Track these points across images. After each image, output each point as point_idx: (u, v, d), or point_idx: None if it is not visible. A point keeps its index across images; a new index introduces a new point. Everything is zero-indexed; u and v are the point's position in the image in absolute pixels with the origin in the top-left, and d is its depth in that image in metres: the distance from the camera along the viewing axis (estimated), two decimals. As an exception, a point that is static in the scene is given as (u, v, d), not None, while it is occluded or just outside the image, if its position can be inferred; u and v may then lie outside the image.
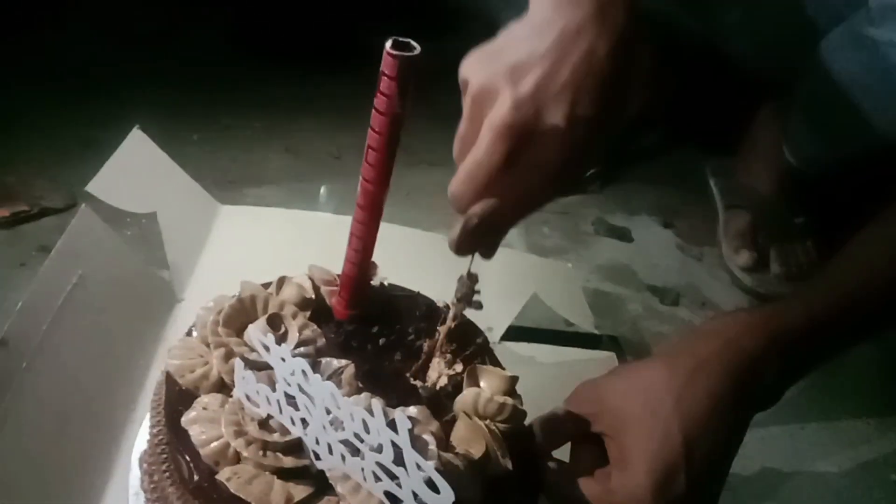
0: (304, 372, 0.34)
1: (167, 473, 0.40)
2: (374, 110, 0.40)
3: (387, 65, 0.38)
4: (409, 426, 0.32)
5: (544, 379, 0.55)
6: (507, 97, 0.39)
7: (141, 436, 0.47)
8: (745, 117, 1.12)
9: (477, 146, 0.41)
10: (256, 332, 0.37)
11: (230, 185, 0.99)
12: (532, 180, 0.42)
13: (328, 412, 0.34)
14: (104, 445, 0.47)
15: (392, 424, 0.32)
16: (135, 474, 0.45)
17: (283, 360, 0.34)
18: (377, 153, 0.39)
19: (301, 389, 0.35)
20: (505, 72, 0.40)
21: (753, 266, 0.99)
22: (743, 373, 0.46)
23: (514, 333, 0.74)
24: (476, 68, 0.42)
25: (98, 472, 0.45)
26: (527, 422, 0.48)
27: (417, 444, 0.36)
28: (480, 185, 0.41)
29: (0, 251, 0.76)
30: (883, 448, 0.80)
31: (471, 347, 0.49)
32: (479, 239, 0.42)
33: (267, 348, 0.35)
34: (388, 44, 0.38)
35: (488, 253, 0.45)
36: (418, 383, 0.47)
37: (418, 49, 0.39)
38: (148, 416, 0.44)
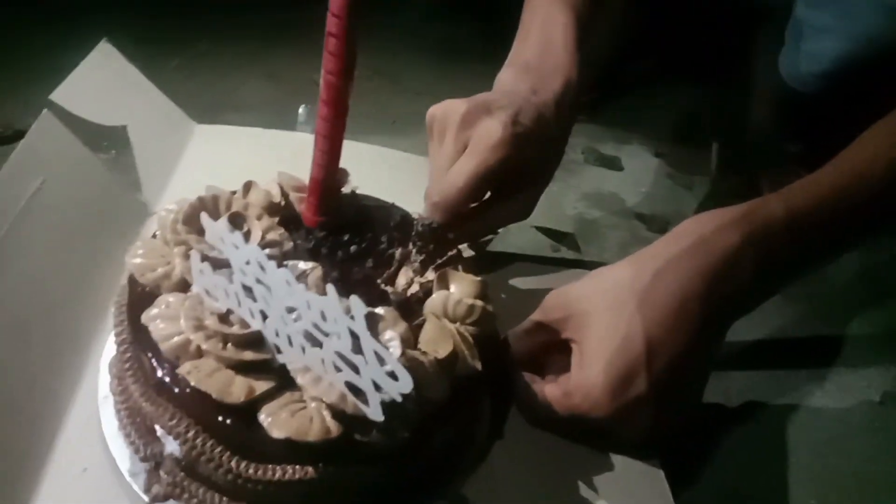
0: (259, 262, 0.33)
1: (130, 372, 0.40)
2: (332, -7, 0.38)
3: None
4: (365, 311, 0.31)
5: (525, 298, 0.54)
6: (497, 118, 0.51)
7: (110, 344, 0.46)
8: (739, 42, 1.09)
9: (469, 156, 0.51)
10: (212, 225, 0.36)
11: (208, 111, 0.96)
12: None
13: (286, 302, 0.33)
14: (72, 354, 0.46)
15: (348, 310, 0.31)
16: (104, 379, 0.45)
17: (237, 247, 0.33)
18: (337, 39, 0.38)
19: (258, 280, 0.34)
20: (483, 105, 0.52)
21: (743, 195, 0.98)
22: (714, 273, 0.44)
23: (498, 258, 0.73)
24: (455, 105, 0.53)
25: (65, 379, 0.45)
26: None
27: (376, 333, 0.36)
28: (475, 186, 0.50)
29: (-28, 172, 0.75)
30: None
31: (444, 256, 0.49)
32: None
33: (221, 238, 0.34)
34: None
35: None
36: (389, 289, 0.46)
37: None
38: (114, 322, 0.44)
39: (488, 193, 0.54)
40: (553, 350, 0.49)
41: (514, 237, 0.77)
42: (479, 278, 0.45)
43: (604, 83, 1.16)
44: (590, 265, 0.73)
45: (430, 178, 0.54)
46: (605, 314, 0.45)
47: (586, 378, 0.44)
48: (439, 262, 0.48)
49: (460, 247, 0.52)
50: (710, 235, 0.45)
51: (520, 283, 0.65)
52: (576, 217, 0.91)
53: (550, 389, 0.46)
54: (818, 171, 0.48)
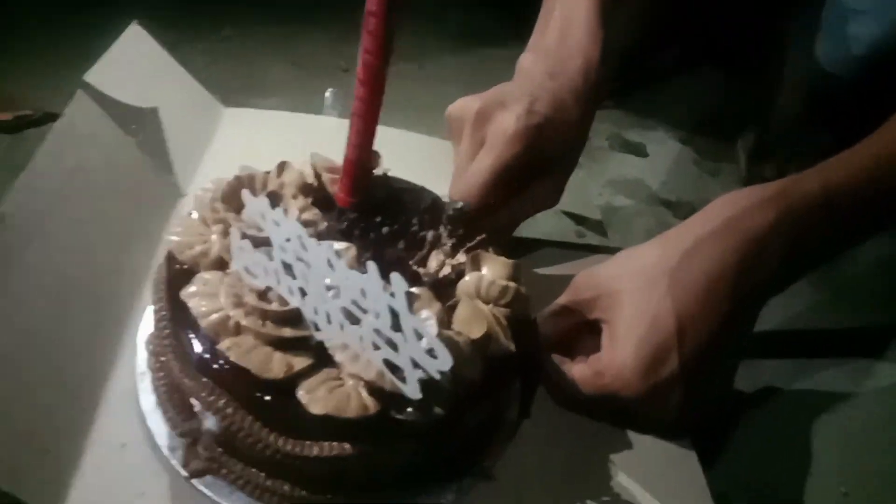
0: (300, 237, 0.33)
1: (169, 348, 0.40)
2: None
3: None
4: (406, 288, 0.31)
5: (551, 283, 0.54)
6: (511, 111, 0.51)
7: (146, 321, 0.47)
8: (767, 29, 1.07)
9: (485, 153, 0.52)
10: (253, 201, 0.36)
11: (234, 97, 0.97)
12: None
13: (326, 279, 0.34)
14: (109, 329, 0.47)
15: (387, 288, 0.32)
16: (141, 355, 0.46)
17: (278, 224, 0.33)
18: (376, 18, 0.38)
19: (297, 257, 0.34)
20: (498, 98, 0.53)
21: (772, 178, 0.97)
22: (745, 253, 0.44)
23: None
24: (469, 102, 0.54)
25: (104, 354, 0.46)
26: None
27: (413, 312, 0.36)
28: (495, 181, 0.51)
29: (4, 155, 0.76)
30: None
31: (475, 239, 0.49)
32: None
33: (262, 215, 0.34)
34: None
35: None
36: (421, 271, 0.46)
37: None
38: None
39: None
40: (582, 331, 0.49)
41: (539, 223, 0.77)
42: (511, 260, 0.45)
43: (629, 71, 1.15)
44: (615, 251, 0.73)
45: (452, 177, 0.54)
46: (635, 294, 0.45)
47: (617, 357, 0.44)
48: (470, 244, 0.48)
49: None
50: (741, 214, 0.45)
51: (545, 268, 0.65)
52: (601, 204, 0.91)
53: (580, 370, 0.46)
54: (856, 146, 0.47)
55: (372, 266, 0.32)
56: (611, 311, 0.46)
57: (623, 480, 0.46)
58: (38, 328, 0.42)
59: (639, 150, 1.03)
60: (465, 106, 0.54)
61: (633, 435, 0.49)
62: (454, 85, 1.20)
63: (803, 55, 0.95)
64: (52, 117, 0.88)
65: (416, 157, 0.69)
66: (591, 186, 0.92)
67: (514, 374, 0.46)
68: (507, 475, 0.45)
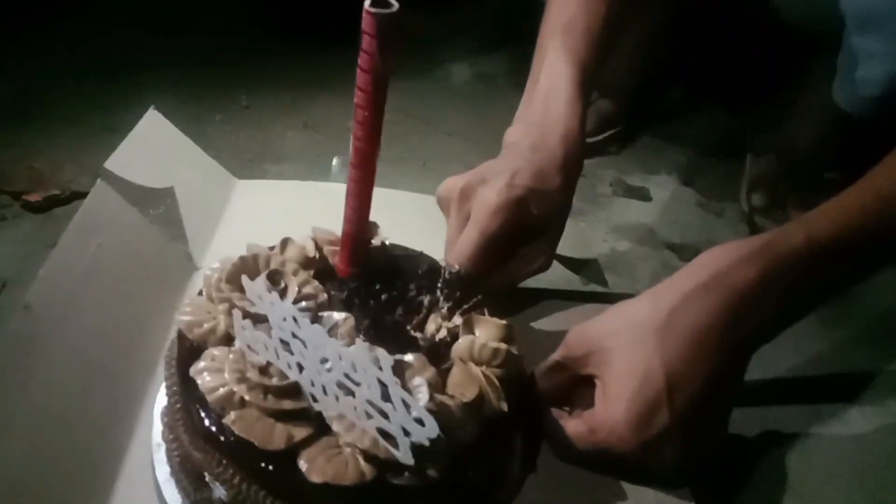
0: (294, 318, 0.36)
1: (181, 422, 0.43)
2: (358, 69, 0.41)
3: (366, 23, 0.39)
4: (392, 361, 0.34)
5: (555, 334, 0.55)
6: (493, 186, 0.55)
7: (161, 393, 0.50)
8: (771, 68, 1.10)
9: (471, 226, 0.55)
10: (251, 284, 0.39)
11: (250, 163, 1.02)
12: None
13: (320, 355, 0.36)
14: (128, 403, 0.50)
15: (376, 361, 0.34)
16: (157, 428, 0.48)
17: (274, 305, 0.36)
18: (364, 110, 0.41)
19: (293, 335, 0.37)
20: (480, 176, 0.56)
21: (766, 208, 0.98)
22: (732, 307, 0.45)
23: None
24: (455, 181, 0.57)
25: (123, 428, 0.48)
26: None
27: (404, 380, 0.38)
28: (483, 252, 0.54)
29: (35, 234, 0.81)
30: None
31: (471, 301, 0.51)
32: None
33: (259, 297, 0.37)
34: (367, 2, 0.39)
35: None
36: (418, 335, 0.48)
37: (396, 6, 0.39)
38: (165, 373, 0.47)
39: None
40: (579, 384, 0.51)
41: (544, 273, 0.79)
42: (503, 322, 0.47)
43: (630, 112, 1.18)
44: (619, 297, 0.74)
45: (444, 250, 0.58)
46: (625, 350, 0.46)
47: (610, 415, 0.46)
48: (466, 307, 0.50)
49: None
50: (727, 270, 0.46)
51: (548, 318, 0.67)
52: (605, 251, 0.92)
53: (575, 426, 0.47)
54: (840, 195, 0.48)
55: (359, 341, 0.34)
56: (602, 368, 0.47)
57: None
58: (62, 408, 0.45)
59: (642, 195, 1.05)
60: (450, 185, 0.58)
61: (635, 486, 0.50)
62: (458, 137, 1.25)
63: (815, 95, 0.97)
64: (79, 196, 0.93)
65: (417, 217, 0.72)
66: (595, 233, 0.94)
67: (510, 433, 0.47)
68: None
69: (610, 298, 0.72)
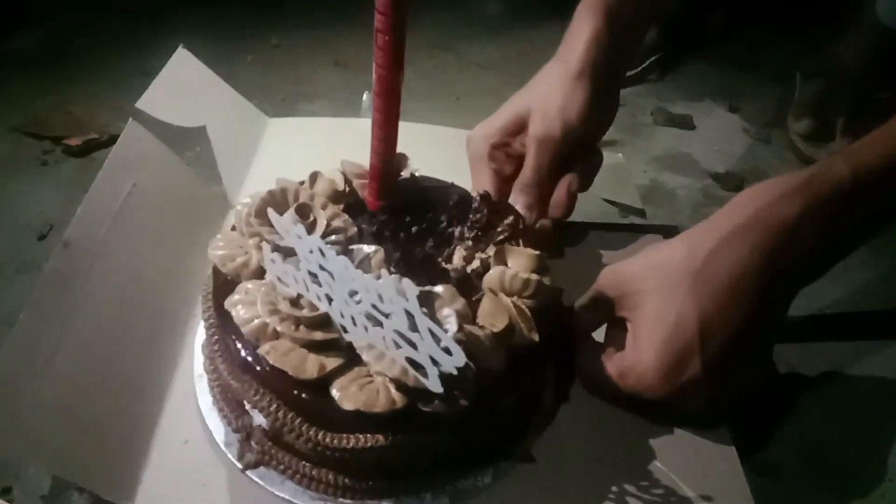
0: (320, 250, 0.36)
1: (219, 353, 0.44)
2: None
3: (384, -58, 0.38)
4: (417, 292, 0.33)
5: (595, 267, 0.55)
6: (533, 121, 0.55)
7: (201, 326, 0.51)
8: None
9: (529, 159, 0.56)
10: (278, 218, 0.39)
11: (283, 103, 1.02)
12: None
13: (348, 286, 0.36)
14: (170, 336, 0.52)
15: (402, 292, 0.34)
16: (198, 359, 0.50)
17: (300, 238, 0.36)
18: (384, 35, 0.39)
19: (321, 267, 0.37)
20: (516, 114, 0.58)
21: (813, 134, 0.93)
22: (772, 248, 0.43)
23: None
24: (482, 129, 0.59)
25: (165, 360, 0.50)
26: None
27: (433, 311, 0.38)
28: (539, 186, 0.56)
29: (77, 178, 0.82)
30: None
31: (504, 232, 0.50)
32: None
33: (286, 230, 0.37)
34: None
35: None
36: (449, 267, 0.48)
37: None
38: (204, 307, 0.48)
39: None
40: (612, 325, 0.50)
41: (583, 206, 0.77)
42: (536, 252, 0.46)
43: (671, 39, 1.13)
44: (658, 230, 0.73)
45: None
46: (657, 294, 0.44)
47: (639, 361, 0.45)
48: (501, 235, 0.49)
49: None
50: (768, 208, 0.44)
51: (585, 251, 0.66)
52: (646, 182, 0.90)
53: (608, 367, 0.47)
54: (885, 124, 0.45)
55: (385, 273, 0.34)
56: (634, 311, 0.46)
57: (660, 466, 0.47)
58: (106, 340, 0.46)
59: (685, 123, 1.01)
60: (481, 133, 0.59)
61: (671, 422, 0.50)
62: (492, 71, 1.21)
63: (861, 13, 0.91)
64: (116, 139, 0.95)
65: (446, 152, 0.71)
66: (635, 163, 0.91)
67: (542, 364, 0.47)
68: (546, 458, 0.47)
69: (648, 230, 0.72)
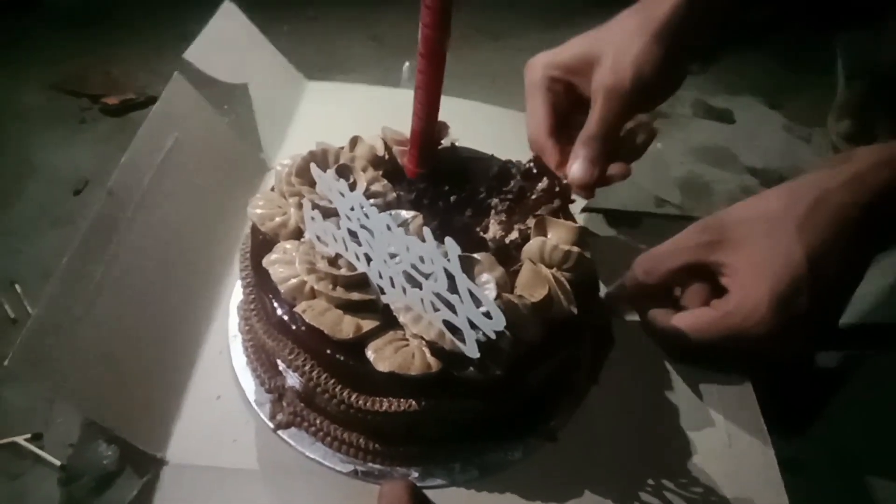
0: (362, 206, 0.36)
1: (255, 312, 0.44)
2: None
3: None
4: (459, 252, 0.33)
5: (629, 253, 0.54)
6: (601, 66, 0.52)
7: (238, 287, 0.51)
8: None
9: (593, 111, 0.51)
10: (321, 175, 0.38)
11: (318, 75, 1.01)
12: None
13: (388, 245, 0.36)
14: (206, 293, 0.52)
15: (444, 252, 0.33)
16: (233, 319, 0.50)
17: (343, 195, 0.36)
18: (433, -7, 0.39)
19: (362, 225, 0.36)
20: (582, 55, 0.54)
21: (854, 135, 0.91)
22: (870, 207, 0.44)
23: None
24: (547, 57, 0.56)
25: (201, 317, 0.50)
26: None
27: (472, 276, 0.38)
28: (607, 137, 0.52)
29: (113, 136, 0.83)
30: None
31: (539, 197, 0.49)
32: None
33: (329, 187, 0.37)
34: None
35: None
36: (487, 236, 0.47)
37: None
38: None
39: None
40: (692, 276, 0.50)
41: (618, 193, 0.76)
42: (576, 225, 0.46)
43: (718, 33, 1.11)
44: (694, 220, 0.71)
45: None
46: (763, 239, 0.46)
47: (749, 296, 0.45)
48: (539, 211, 0.49)
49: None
50: (869, 169, 0.45)
51: (623, 239, 0.65)
52: (682, 173, 0.88)
53: (705, 314, 0.47)
54: None
55: (428, 232, 0.34)
56: (737, 254, 0.47)
57: (690, 457, 0.47)
58: (144, 292, 0.46)
59: (724, 117, 0.99)
60: (544, 60, 0.57)
61: (702, 412, 0.50)
62: (529, 52, 1.18)
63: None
64: (154, 100, 0.95)
65: (486, 128, 0.70)
66: (672, 154, 0.90)
67: (577, 337, 0.47)
68: (573, 439, 0.47)
69: (684, 221, 0.70)
